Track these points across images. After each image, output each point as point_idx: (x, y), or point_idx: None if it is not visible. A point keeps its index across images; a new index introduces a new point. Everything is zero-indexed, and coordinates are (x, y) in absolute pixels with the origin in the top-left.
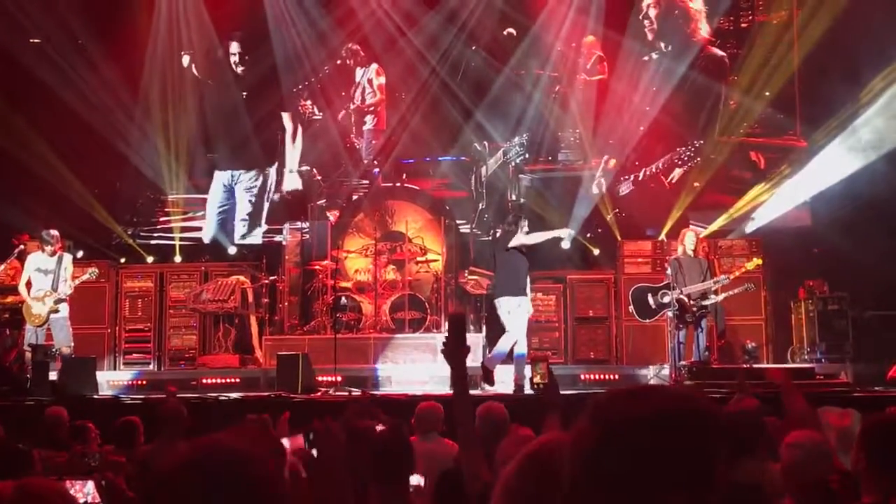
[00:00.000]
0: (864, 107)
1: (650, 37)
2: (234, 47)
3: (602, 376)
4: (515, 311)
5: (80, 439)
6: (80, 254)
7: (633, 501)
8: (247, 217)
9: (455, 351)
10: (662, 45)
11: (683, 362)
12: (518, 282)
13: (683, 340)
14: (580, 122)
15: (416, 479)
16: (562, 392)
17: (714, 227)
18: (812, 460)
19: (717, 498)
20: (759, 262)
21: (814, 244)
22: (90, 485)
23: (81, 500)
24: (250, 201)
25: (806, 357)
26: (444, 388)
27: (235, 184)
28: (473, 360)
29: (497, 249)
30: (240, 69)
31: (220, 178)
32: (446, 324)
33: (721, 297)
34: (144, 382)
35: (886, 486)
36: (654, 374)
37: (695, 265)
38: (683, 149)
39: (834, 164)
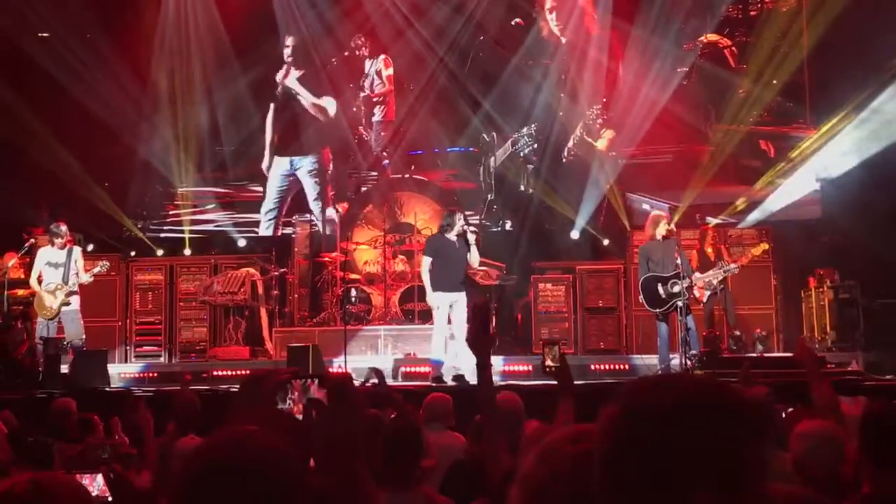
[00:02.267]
0: (877, 92)
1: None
2: (290, 41)
3: (612, 366)
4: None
5: (88, 431)
6: (90, 247)
7: (659, 497)
8: (317, 197)
9: (479, 340)
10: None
11: (694, 351)
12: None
13: (690, 326)
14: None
15: None
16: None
17: (724, 216)
18: (823, 450)
19: (753, 497)
20: (766, 247)
21: (824, 232)
22: (99, 478)
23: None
24: (316, 182)
25: (818, 346)
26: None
27: (297, 169)
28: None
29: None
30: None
31: (280, 164)
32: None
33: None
34: (155, 374)
35: (883, 477)
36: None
37: (664, 248)
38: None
39: (844, 151)
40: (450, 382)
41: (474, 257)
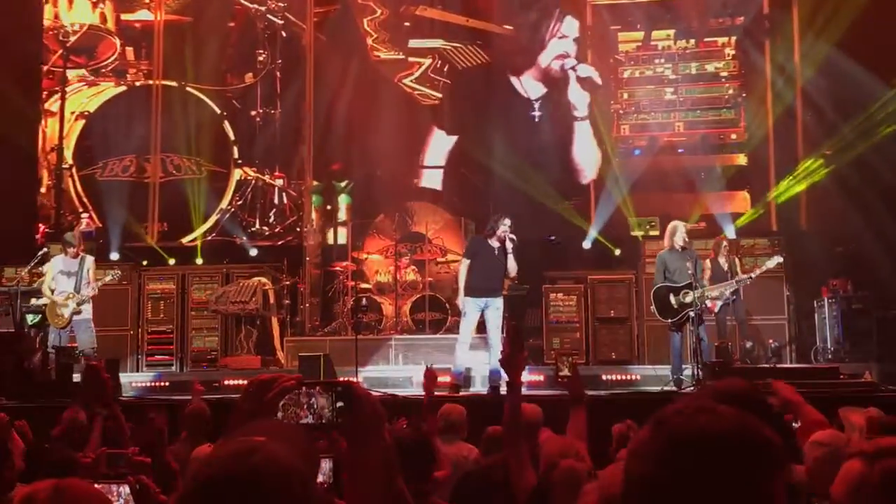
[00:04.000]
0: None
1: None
2: None
3: (624, 377)
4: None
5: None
6: (114, 256)
7: None
8: None
9: (513, 360)
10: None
11: (706, 362)
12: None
13: (703, 337)
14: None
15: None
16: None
17: (737, 224)
18: (837, 459)
19: None
20: (780, 259)
21: (837, 243)
22: (125, 488)
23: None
24: None
25: (830, 356)
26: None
27: None
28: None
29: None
30: None
31: None
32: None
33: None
34: (167, 384)
35: None
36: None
37: (681, 259)
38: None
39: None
40: (482, 390)
41: (511, 266)
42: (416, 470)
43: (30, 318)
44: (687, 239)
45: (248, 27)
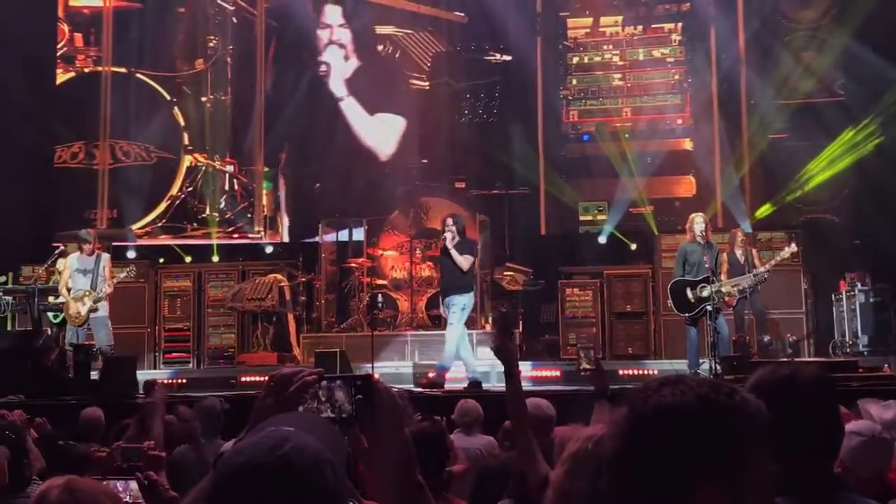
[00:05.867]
0: None
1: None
2: None
3: (641, 372)
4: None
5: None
6: (131, 254)
7: (665, 495)
8: None
9: (504, 347)
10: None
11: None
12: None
13: (721, 331)
14: None
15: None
16: None
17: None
18: (869, 448)
19: (756, 493)
20: (795, 249)
21: (855, 235)
22: (133, 484)
23: (126, 500)
24: None
25: (848, 350)
26: (485, 384)
27: None
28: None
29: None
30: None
31: None
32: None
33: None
34: (184, 381)
35: None
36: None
37: (701, 252)
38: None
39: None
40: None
41: (458, 261)
42: (432, 463)
43: (51, 316)
44: (704, 230)
45: (199, 13)
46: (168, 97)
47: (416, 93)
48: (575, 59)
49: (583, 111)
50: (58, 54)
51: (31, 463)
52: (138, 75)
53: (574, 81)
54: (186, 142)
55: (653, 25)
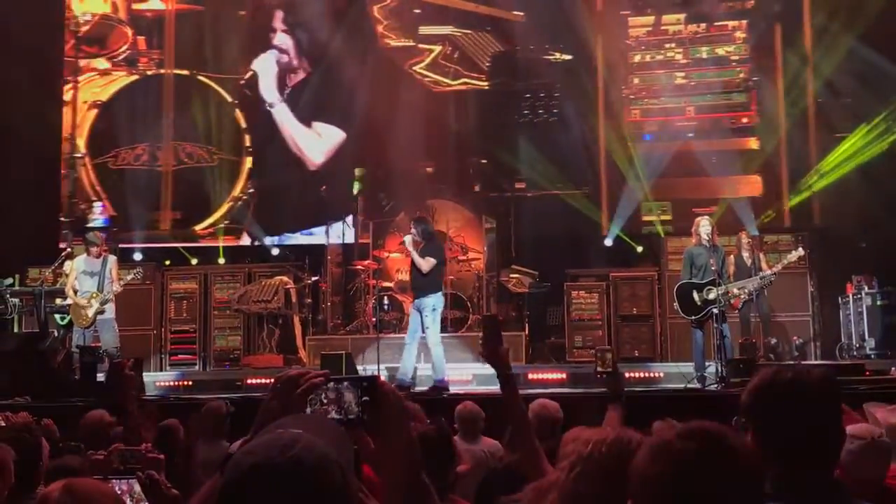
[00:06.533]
0: None
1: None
2: None
3: (646, 374)
4: None
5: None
6: (138, 256)
7: None
8: None
9: (493, 352)
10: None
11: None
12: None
13: (728, 334)
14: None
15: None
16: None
17: (761, 220)
18: (871, 454)
19: None
20: (801, 253)
21: (861, 238)
22: (136, 485)
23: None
24: None
25: (855, 353)
26: (488, 387)
27: None
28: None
29: None
30: None
31: None
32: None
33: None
34: (190, 383)
35: None
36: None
37: (707, 255)
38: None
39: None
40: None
41: (418, 263)
42: (437, 465)
43: (58, 318)
44: (710, 233)
45: (261, 16)
46: (230, 99)
47: (423, 95)
48: (636, 58)
49: (644, 110)
50: (121, 57)
51: (42, 467)
52: (200, 77)
53: (636, 80)
54: (248, 144)
55: (716, 23)
